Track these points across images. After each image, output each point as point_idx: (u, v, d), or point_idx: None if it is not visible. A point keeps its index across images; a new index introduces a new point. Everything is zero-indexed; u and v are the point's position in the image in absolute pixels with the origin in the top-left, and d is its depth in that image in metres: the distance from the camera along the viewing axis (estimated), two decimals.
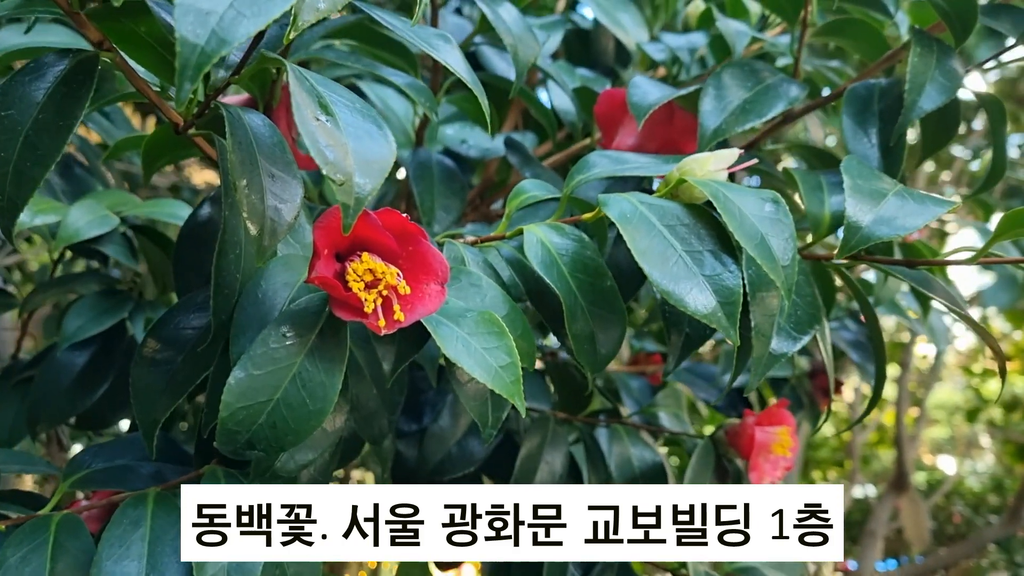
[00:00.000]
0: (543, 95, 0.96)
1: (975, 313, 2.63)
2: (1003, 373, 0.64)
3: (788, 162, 1.17)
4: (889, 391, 4.19)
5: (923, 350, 3.86)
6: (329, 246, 0.52)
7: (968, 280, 3.33)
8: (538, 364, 1.15)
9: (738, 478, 0.87)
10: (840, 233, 0.61)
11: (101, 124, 1.00)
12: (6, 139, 0.47)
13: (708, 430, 0.94)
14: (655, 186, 0.63)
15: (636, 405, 1.09)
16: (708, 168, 0.58)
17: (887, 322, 3.11)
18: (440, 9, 0.83)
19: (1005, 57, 0.75)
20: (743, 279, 0.55)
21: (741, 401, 1.10)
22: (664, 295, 0.53)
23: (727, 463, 0.86)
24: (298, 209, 0.52)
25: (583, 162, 0.64)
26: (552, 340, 1.06)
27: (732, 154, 0.59)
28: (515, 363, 0.55)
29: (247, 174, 0.49)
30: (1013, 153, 3.10)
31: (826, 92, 0.86)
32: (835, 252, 0.61)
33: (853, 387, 3.35)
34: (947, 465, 5.43)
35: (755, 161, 0.61)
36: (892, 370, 3.94)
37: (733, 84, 0.71)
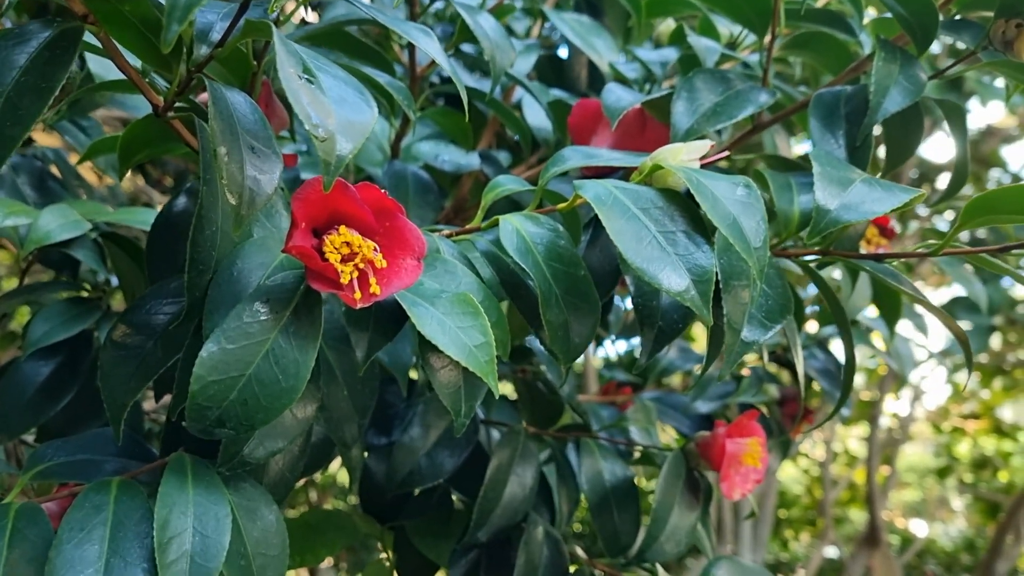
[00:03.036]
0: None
1: (948, 362, 2.66)
2: (969, 361, 0.65)
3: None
4: (859, 448, 4.21)
5: (893, 408, 3.89)
6: (307, 219, 0.52)
7: (940, 335, 3.38)
8: (508, 389, 1.15)
9: (709, 490, 0.87)
10: None
11: (77, 138, 1.00)
12: None
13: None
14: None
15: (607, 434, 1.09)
16: (681, 158, 0.60)
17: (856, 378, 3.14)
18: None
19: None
20: (716, 264, 0.56)
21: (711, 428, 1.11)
22: (638, 273, 0.53)
23: (698, 475, 0.86)
24: (277, 182, 0.52)
25: (557, 156, 0.65)
26: None
27: (704, 145, 0.60)
28: (489, 343, 0.55)
29: (227, 143, 0.49)
30: None
31: None
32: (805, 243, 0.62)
33: (824, 440, 3.36)
34: (919, 528, 5.44)
35: (727, 153, 0.62)
36: (861, 428, 3.97)
37: (704, 88, 0.73)
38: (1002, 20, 0.65)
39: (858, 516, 4.44)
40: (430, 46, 0.61)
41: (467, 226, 0.67)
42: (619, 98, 0.75)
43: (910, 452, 5.03)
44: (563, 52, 1.19)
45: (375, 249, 0.52)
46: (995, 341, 3.20)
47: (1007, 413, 4.23)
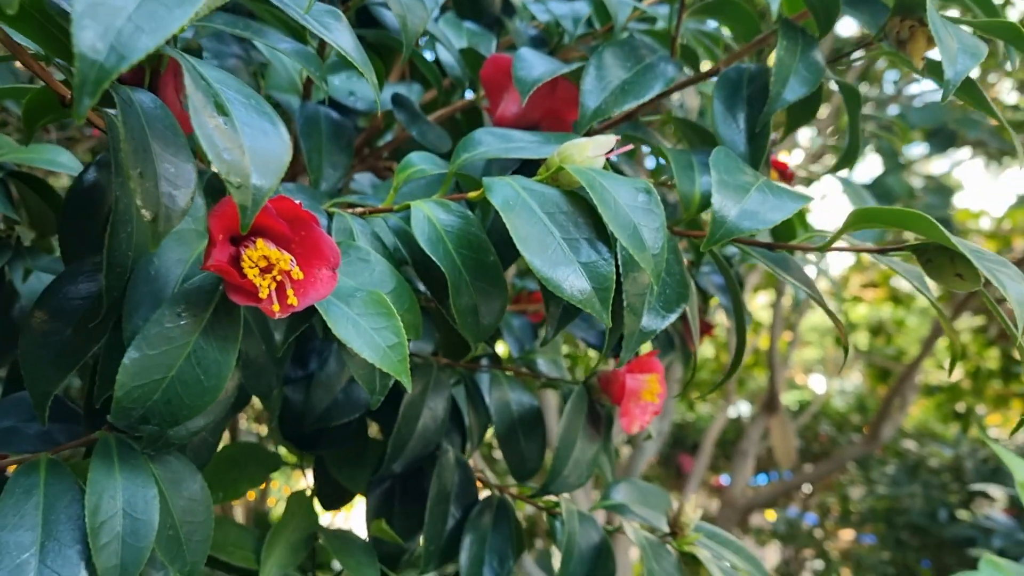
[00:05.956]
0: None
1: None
2: (845, 349, 0.71)
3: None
4: (764, 316, 4.41)
5: None
6: (224, 231, 0.54)
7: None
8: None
9: (609, 422, 0.94)
10: None
11: None
12: None
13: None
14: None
15: (517, 343, 1.13)
16: (587, 154, 0.62)
17: None
18: None
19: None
20: (617, 262, 0.59)
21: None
22: (543, 281, 0.56)
23: (599, 408, 0.92)
24: (192, 194, 0.53)
25: (469, 140, 0.66)
26: None
27: (609, 140, 0.63)
28: (402, 343, 0.58)
29: (140, 163, 0.50)
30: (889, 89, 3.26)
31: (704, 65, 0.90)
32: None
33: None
34: (818, 384, 5.80)
35: (631, 147, 0.64)
36: (767, 296, 4.14)
37: (614, 64, 0.74)
38: (897, 19, 0.68)
39: (762, 376, 4.70)
40: (340, 35, 0.60)
41: (380, 207, 0.68)
42: (531, 69, 0.75)
43: (813, 315, 5.30)
44: None
45: (292, 261, 0.54)
46: None
47: (903, 283, 4.46)
